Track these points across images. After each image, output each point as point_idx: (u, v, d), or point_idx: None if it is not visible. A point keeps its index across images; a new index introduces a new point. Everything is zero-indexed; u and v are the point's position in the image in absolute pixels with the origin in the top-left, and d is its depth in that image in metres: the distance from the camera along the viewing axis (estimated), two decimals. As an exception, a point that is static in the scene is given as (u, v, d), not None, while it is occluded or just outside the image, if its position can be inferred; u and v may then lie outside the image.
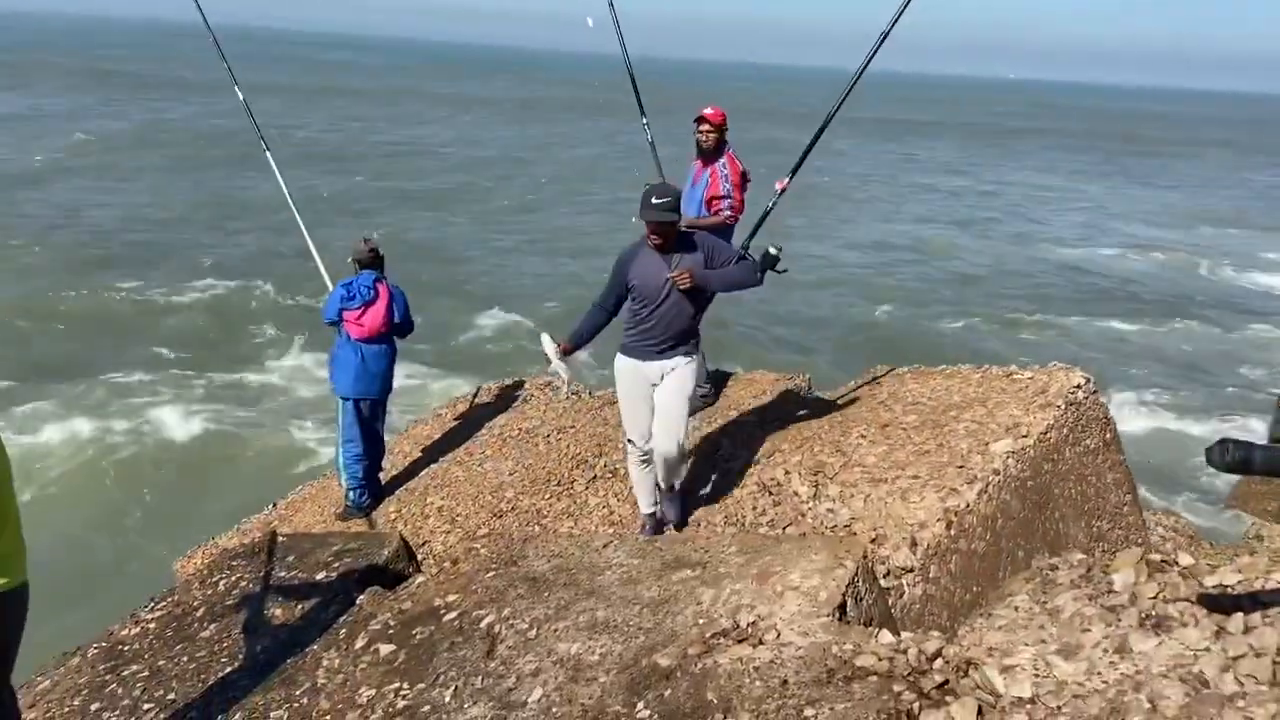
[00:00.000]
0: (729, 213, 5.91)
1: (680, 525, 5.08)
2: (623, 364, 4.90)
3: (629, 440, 4.97)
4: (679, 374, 4.78)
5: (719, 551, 3.55)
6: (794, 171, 5.08)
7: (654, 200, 4.50)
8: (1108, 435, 5.44)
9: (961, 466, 4.66)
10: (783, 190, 5.08)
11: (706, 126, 5.96)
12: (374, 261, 6.30)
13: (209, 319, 18.71)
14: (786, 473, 5.17)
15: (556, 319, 16.78)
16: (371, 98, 72.33)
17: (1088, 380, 5.34)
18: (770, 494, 5.06)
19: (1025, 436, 4.83)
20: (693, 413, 6.04)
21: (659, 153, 6.40)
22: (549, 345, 4.85)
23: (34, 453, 12.62)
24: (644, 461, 4.98)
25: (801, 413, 5.95)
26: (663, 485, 5.03)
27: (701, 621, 3.10)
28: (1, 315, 17.65)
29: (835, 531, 4.48)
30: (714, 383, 6.74)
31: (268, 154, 7.47)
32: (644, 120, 6.46)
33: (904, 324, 21.70)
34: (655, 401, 4.80)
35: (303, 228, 7.18)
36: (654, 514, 5.13)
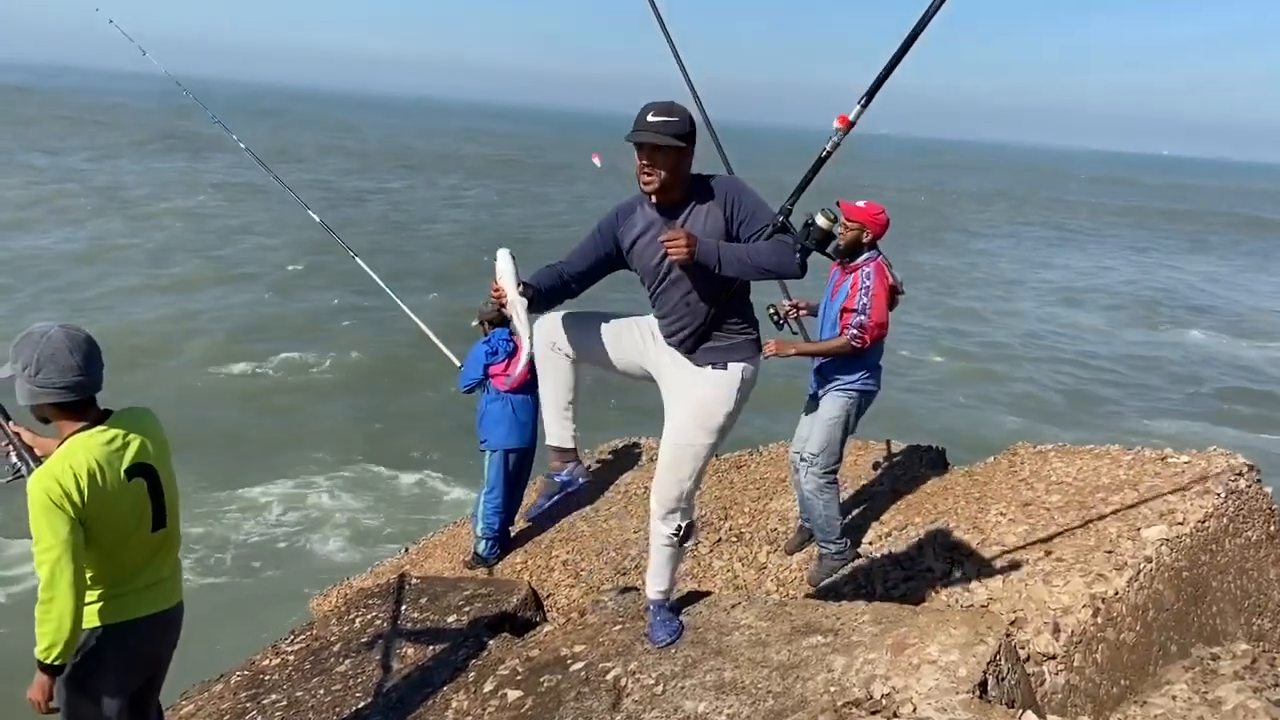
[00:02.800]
0: (855, 331, 4.70)
1: (666, 644, 3.67)
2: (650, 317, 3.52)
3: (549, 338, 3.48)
4: (697, 397, 3.33)
5: (852, 619, 3.48)
6: (868, 99, 3.09)
7: (650, 118, 3.09)
8: (1271, 528, 5.08)
9: (1110, 551, 4.44)
10: (848, 128, 3.09)
11: (844, 221, 4.78)
12: (503, 318, 6.55)
13: (336, 388, 19.53)
14: (920, 547, 5.03)
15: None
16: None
17: (1251, 468, 5.03)
18: (902, 568, 4.93)
19: (1181, 524, 4.56)
20: (817, 579, 5.14)
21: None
22: (508, 269, 3.24)
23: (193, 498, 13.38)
24: (550, 348, 3.47)
25: (936, 486, 5.79)
26: (649, 577, 3.78)
27: (833, 689, 3.03)
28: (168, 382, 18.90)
29: (971, 610, 4.32)
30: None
31: (358, 260, 7.41)
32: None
33: (1054, 406, 20.90)
34: (665, 432, 3.42)
35: (421, 325, 7.26)
36: (571, 450, 3.65)
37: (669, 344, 3.39)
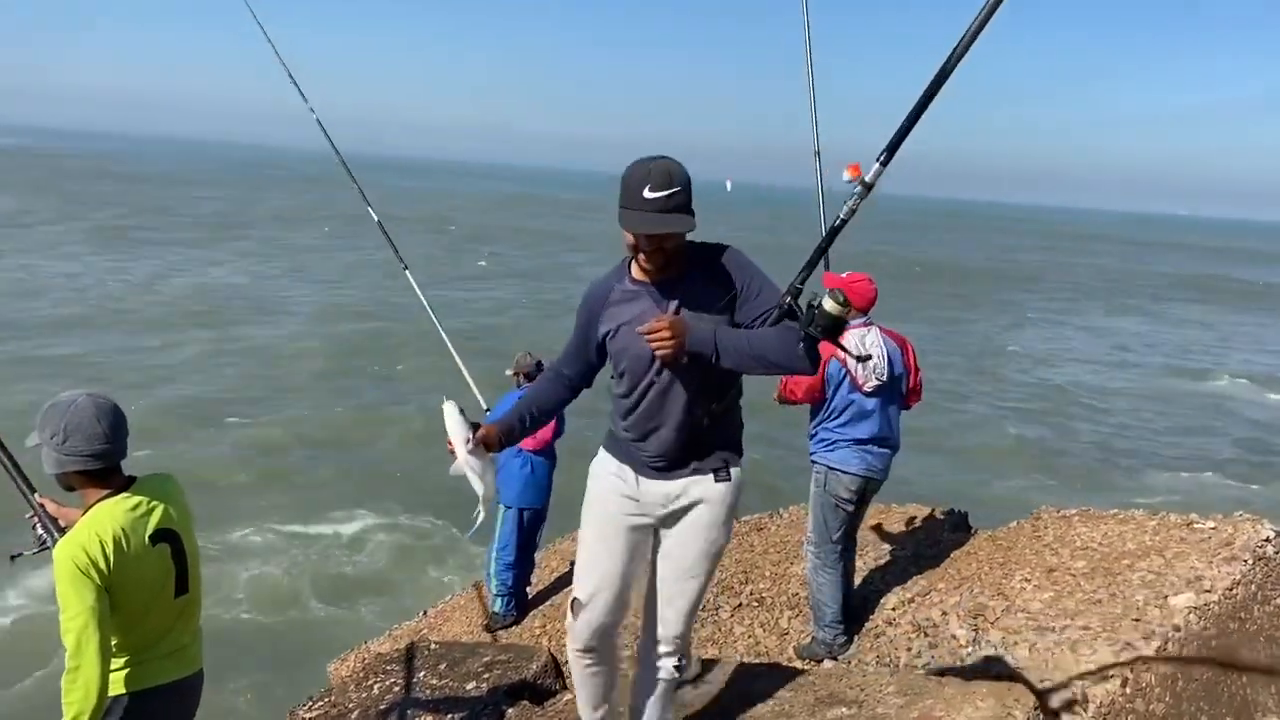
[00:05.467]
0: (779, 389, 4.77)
1: None
2: (604, 468, 2.97)
3: (574, 600, 3.08)
4: (702, 517, 2.83)
5: (876, 690, 3.43)
6: (891, 151, 2.46)
7: (647, 193, 2.48)
8: (1301, 595, 5.00)
9: (1138, 620, 4.38)
10: (859, 180, 2.55)
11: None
12: (538, 374, 6.57)
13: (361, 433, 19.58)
14: (944, 614, 4.98)
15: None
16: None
17: (1278, 534, 4.97)
18: (926, 635, 4.87)
19: (1209, 591, 4.50)
20: (801, 655, 5.00)
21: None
22: (455, 424, 2.85)
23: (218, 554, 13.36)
24: (592, 653, 3.12)
25: (959, 551, 5.74)
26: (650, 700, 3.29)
27: (858, 764, 2.99)
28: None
29: (997, 680, 4.25)
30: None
31: (407, 274, 7.00)
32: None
33: (1081, 465, 20.70)
34: (661, 558, 2.94)
35: (456, 358, 6.99)
36: None
37: (651, 463, 2.83)
